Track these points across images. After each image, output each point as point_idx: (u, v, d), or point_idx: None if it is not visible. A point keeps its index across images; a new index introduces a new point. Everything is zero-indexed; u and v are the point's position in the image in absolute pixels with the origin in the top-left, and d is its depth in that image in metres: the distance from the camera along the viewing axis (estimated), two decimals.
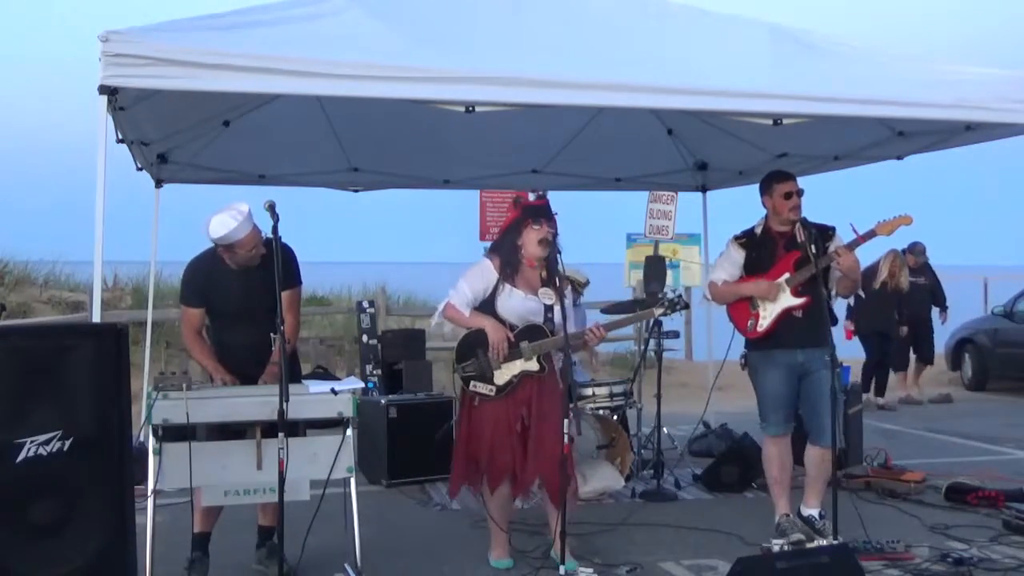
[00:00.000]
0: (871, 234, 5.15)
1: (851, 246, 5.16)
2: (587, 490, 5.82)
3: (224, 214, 4.49)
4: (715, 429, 7.63)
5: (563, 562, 4.48)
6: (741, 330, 5.38)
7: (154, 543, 4.22)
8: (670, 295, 5.13)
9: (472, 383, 4.70)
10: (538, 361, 4.70)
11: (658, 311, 5.08)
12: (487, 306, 4.73)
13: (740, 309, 5.37)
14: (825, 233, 5.27)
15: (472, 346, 4.71)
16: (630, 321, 5.43)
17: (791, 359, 5.24)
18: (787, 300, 5.22)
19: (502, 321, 4.69)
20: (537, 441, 4.63)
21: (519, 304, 4.72)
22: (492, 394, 4.68)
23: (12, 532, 3.64)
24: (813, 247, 5.11)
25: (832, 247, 5.19)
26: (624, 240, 11.90)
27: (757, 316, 5.29)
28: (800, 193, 5.27)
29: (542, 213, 4.75)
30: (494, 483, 4.75)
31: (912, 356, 11.42)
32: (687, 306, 5.56)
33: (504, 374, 4.67)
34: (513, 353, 4.66)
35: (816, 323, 5.09)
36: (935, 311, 11.30)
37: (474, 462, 4.76)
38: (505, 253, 4.77)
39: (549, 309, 4.73)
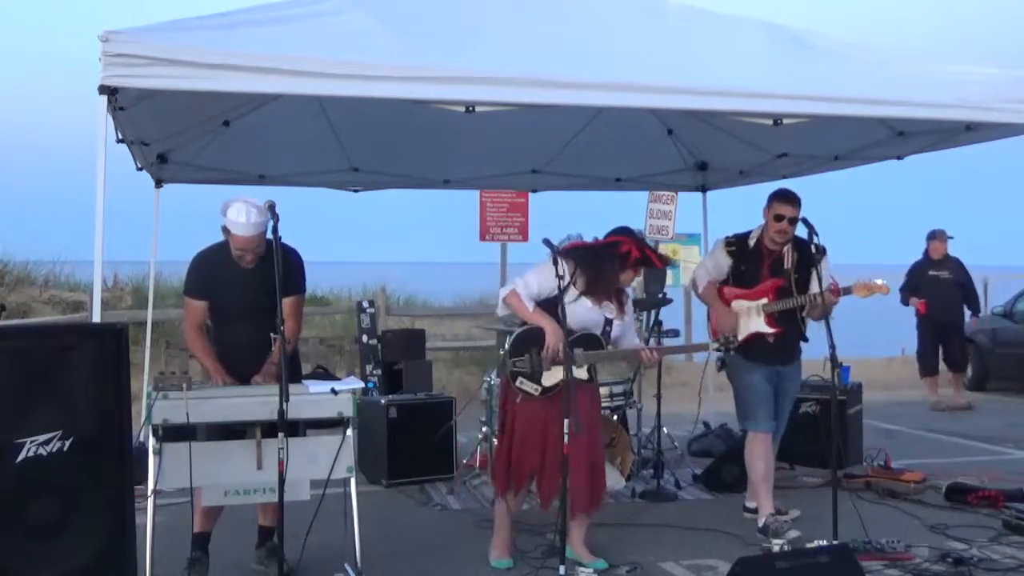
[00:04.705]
0: (847, 290, 5.27)
1: (828, 291, 5.22)
2: None
3: (253, 209, 4.49)
4: (715, 429, 7.64)
5: (564, 562, 4.45)
6: (715, 339, 5.48)
7: (154, 543, 4.22)
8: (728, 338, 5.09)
9: (519, 379, 4.73)
10: (588, 371, 4.76)
11: (713, 345, 5.12)
12: (550, 305, 4.70)
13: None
14: (815, 254, 5.32)
15: (527, 343, 4.72)
16: (682, 351, 5.50)
17: (768, 366, 5.46)
18: (759, 325, 5.43)
19: (561, 325, 4.60)
20: (575, 451, 4.46)
21: (584, 312, 4.75)
22: (536, 394, 4.70)
23: (12, 532, 3.64)
24: (796, 276, 5.29)
25: (822, 267, 5.27)
26: None
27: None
28: (793, 221, 5.32)
29: (649, 266, 5.06)
30: (518, 483, 4.78)
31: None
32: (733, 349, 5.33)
33: (553, 376, 4.68)
34: (567, 359, 4.57)
35: (787, 346, 5.46)
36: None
37: (509, 460, 4.78)
38: (596, 271, 4.78)
39: (609, 323, 4.82)
